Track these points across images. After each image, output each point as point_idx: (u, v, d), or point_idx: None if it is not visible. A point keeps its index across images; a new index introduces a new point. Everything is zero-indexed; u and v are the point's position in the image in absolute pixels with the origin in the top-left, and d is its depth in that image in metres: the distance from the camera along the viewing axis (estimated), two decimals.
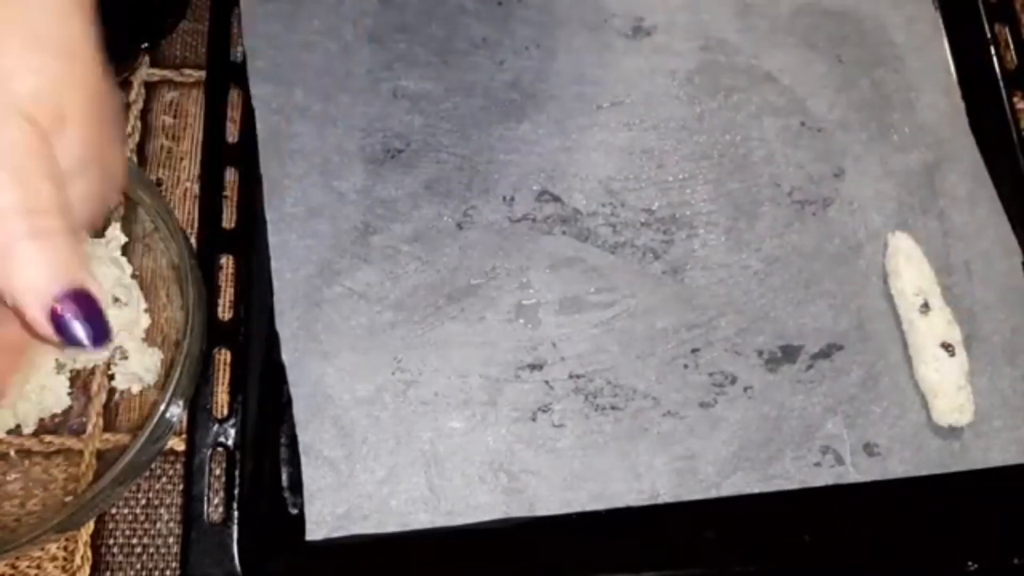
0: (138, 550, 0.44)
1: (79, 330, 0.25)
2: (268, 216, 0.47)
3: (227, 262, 0.48)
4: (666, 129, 0.52)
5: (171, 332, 0.46)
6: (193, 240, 0.48)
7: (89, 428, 0.45)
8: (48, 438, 0.45)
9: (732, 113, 0.52)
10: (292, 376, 0.45)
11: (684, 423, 0.45)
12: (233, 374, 0.45)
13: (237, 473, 0.43)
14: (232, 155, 0.49)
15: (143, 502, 0.45)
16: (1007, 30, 0.55)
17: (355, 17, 0.52)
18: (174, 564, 0.44)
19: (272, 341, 0.45)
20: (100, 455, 0.45)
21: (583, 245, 0.49)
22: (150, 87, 0.52)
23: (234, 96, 0.50)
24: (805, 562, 0.44)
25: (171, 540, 0.44)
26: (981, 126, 0.53)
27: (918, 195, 0.51)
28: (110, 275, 0.45)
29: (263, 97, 0.49)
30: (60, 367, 0.45)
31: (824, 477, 0.45)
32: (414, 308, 0.47)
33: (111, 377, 0.46)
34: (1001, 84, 0.53)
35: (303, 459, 0.43)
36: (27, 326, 0.26)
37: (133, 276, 0.46)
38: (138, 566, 0.44)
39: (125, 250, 0.46)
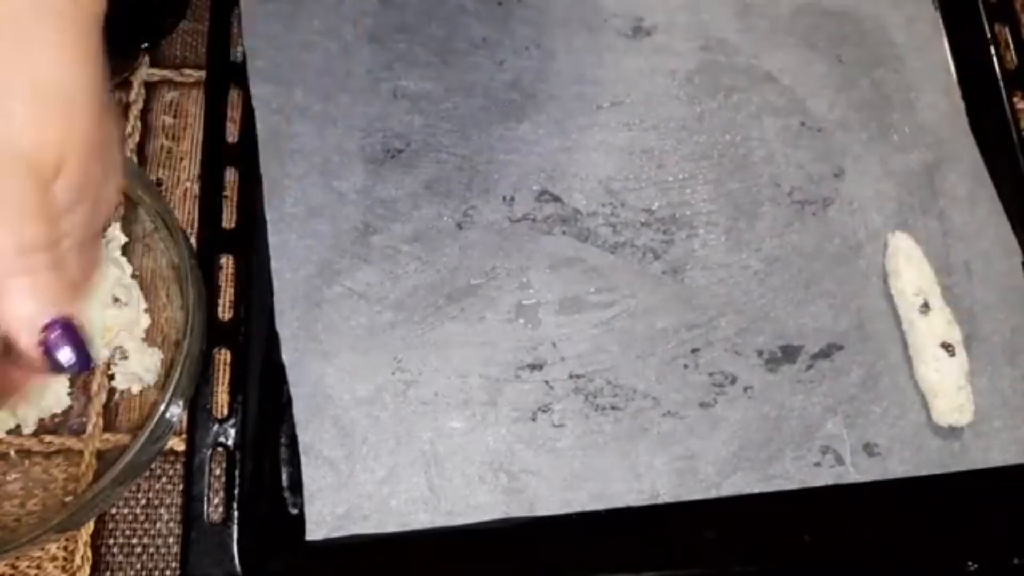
0: (138, 550, 0.44)
1: (63, 356, 0.28)
2: (268, 216, 0.47)
3: (227, 262, 0.48)
4: (666, 129, 0.52)
5: (171, 332, 0.46)
6: (193, 240, 0.48)
7: (89, 428, 0.45)
8: (48, 438, 0.45)
9: (732, 113, 0.52)
10: (292, 376, 0.45)
11: (684, 423, 0.45)
12: (233, 374, 0.45)
13: (237, 473, 0.43)
14: (232, 155, 0.49)
15: (143, 502, 0.45)
16: (1007, 30, 0.55)
17: (355, 17, 0.52)
18: (174, 564, 0.44)
19: (272, 341, 0.45)
20: (100, 455, 0.45)
21: (583, 245, 0.49)
22: (150, 87, 0.52)
23: (234, 96, 0.50)
24: (805, 562, 0.44)
25: (171, 540, 0.44)
26: (981, 126, 0.53)
27: (918, 195, 0.51)
28: (110, 275, 0.45)
29: (263, 97, 0.49)
30: None
31: (824, 477, 0.45)
32: (414, 308, 0.47)
33: (111, 377, 0.46)
34: (1001, 84, 0.53)
35: (303, 459, 0.43)
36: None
37: (133, 276, 0.46)
38: (138, 566, 0.44)
39: (125, 250, 0.46)
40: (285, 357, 0.45)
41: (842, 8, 0.55)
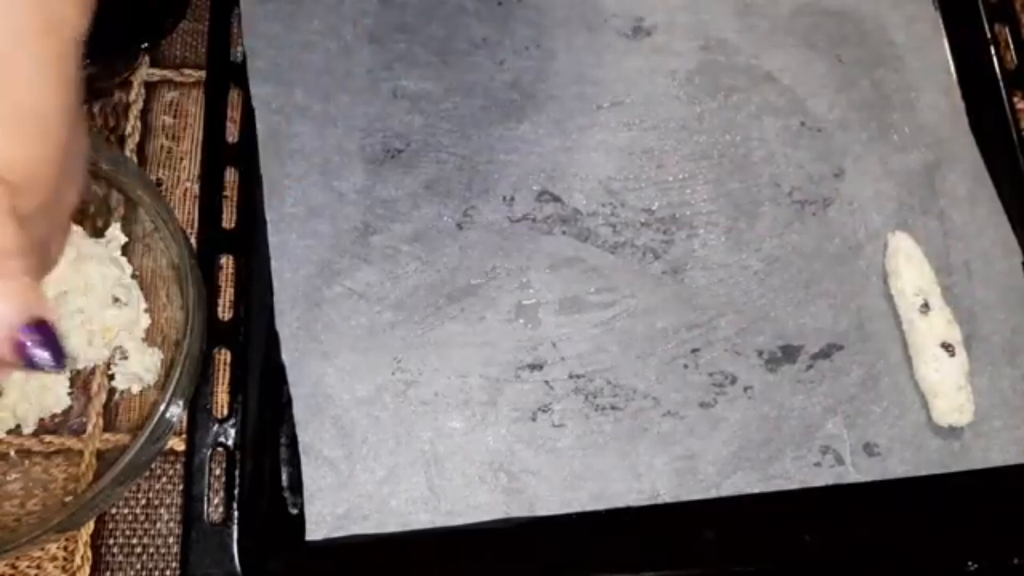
0: (138, 550, 0.44)
1: (39, 357, 0.28)
2: (268, 216, 0.47)
3: (227, 262, 0.48)
4: (666, 129, 0.52)
5: (171, 332, 0.46)
6: (193, 240, 0.48)
7: (89, 428, 0.45)
8: (48, 438, 0.45)
9: (732, 113, 0.52)
10: (292, 376, 0.45)
11: (684, 423, 0.45)
12: (233, 374, 0.45)
13: (237, 473, 0.43)
14: (232, 155, 0.49)
15: (143, 502, 0.45)
16: (1007, 30, 0.55)
17: (355, 17, 0.52)
18: (174, 564, 0.44)
19: (272, 341, 0.45)
20: (100, 455, 0.45)
21: (583, 245, 0.49)
22: (150, 87, 0.52)
23: (234, 96, 0.50)
24: (805, 562, 0.44)
25: (171, 540, 0.44)
26: (981, 126, 0.53)
27: (918, 195, 0.51)
28: (110, 275, 0.45)
29: (263, 97, 0.49)
30: None
31: (824, 477, 0.45)
32: (414, 308, 0.47)
33: (111, 377, 0.46)
34: (1001, 84, 0.53)
35: (303, 459, 0.43)
36: None
37: (133, 276, 0.46)
38: (138, 566, 0.44)
39: (125, 250, 0.46)
40: (285, 357, 0.45)
41: (842, 8, 0.55)
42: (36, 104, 0.27)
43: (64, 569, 0.43)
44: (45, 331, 0.28)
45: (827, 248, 0.50)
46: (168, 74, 0.53)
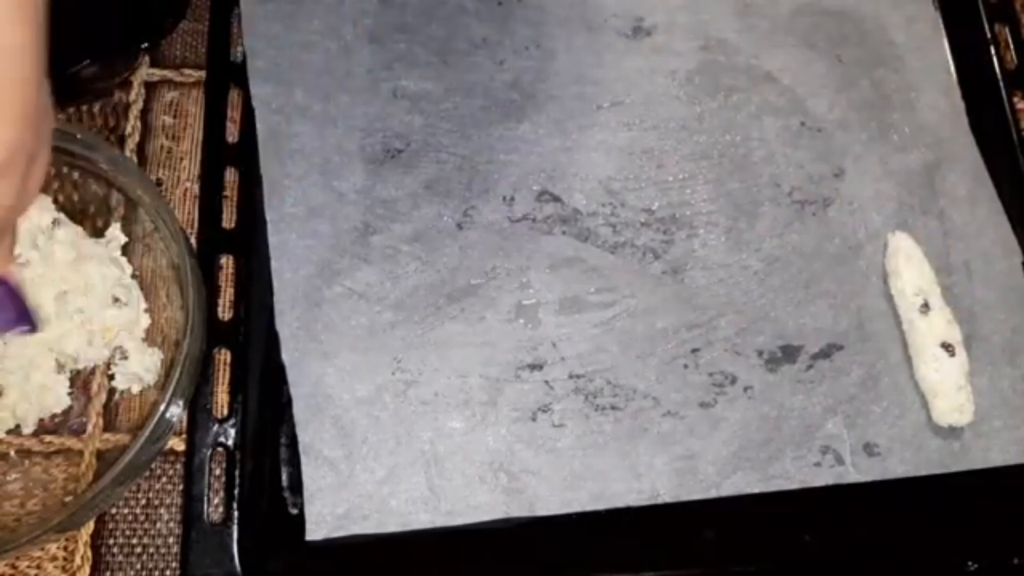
0: (138, 550, 0.44)
1: (3, 314, 0.28)
2: (268, 216, 0.47)
3: (227, 262, 0.48)
4: (666, 129, 0.52)
5: (171, 332, 0.46)
6: (193, 240, 0.48)
7: (89, 428, 0.45)
8: (48, 438, 0.45)
9: (732, 113, 0.52)
10: (292, 376, 0.45)
11: (684, 423, 0.45)
12: (233, 374, 0.45)
13: (237, 473, 0.43)
14: (232, 155, 0.49)
15: (143, 502, 0.45)
16: (1007, 30, 0.55)
17: (355, 17, 0.52)
18: (174, 564, 0.44)
19: (272, 341, 0.45)
20: (100, 455, 0.45)
21: (583, 245, 0.49)
22: (150, 87, 0.52)
23: (234, 96, 0.50)
24: (805, 562, 0.44)
25: (171, 540, 0.44)
26: (981, 126, 0.53)
27: (918, 195, 0.51)
28: (110, 275, 0.45)
29: (263, 97, 0.49)
30: (60, 367, 0.45)
31: (824, 477, 0.45)
32: (414, 308, 0.47)
33: (111, 377, 0.46)
34: (1001, 84, 0.53)
35: (303, 459, 0.43)
36: None
37: (133, 276, 0.46)
38: (138, 566, 0.44)
39: (125, 250, 0.46)
40: (285, 357, 0.45)
41: (842, 8, 0.55)
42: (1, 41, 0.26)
43: (64, 569, 0.43)
44: (6, 291, 0.27)
45: (827, 248, 0.50)
46: (168, 74, 0.53)
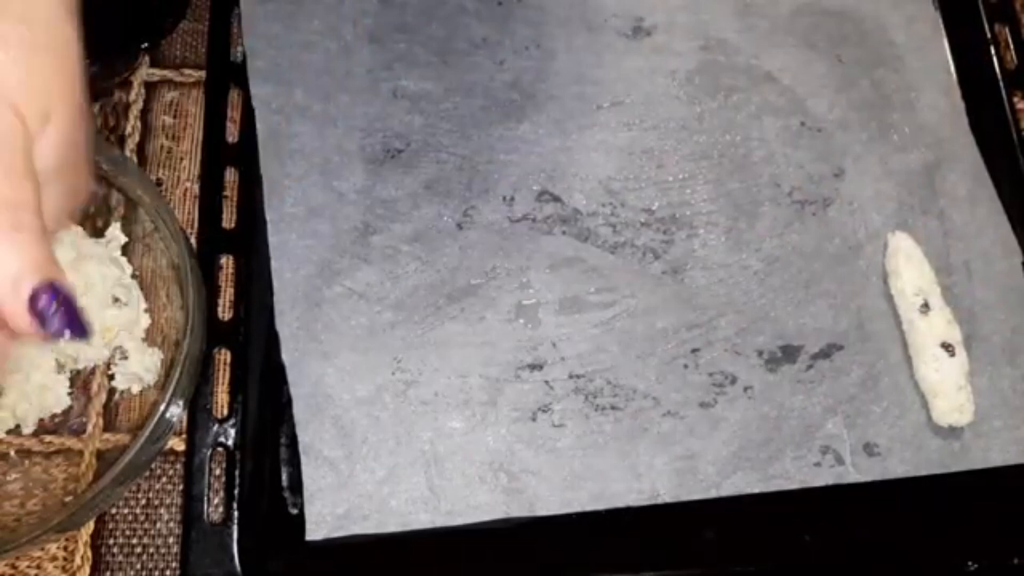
0: (138, 550, 0.44)
1: (60, 322, 0.25)
2: (268, 216, 0.47)
3: (227, 262, 0.48)
4: (666, 129, 0.52)
5: (171, 332, 0.46)
6: (193, 240, 0.48)
7: (89, 428, 0.45)
8: (48, 438, 0.45)
9: (732, 113, 0.52)
10: (292, 376, 0.45)
11: (684, 423, 0.45)
12: (233, 374, 0.45)
13: (237, 473, 0.43)
14: (232, 155, 0.49)
15: (143, 502, 0.45)
16: (1007, 30, 0.55)
17: (355, 17, 0.52)
18: (174, 564, 0.44)
19: (272, 341, 0.45)
20: (100, 455, 0.45)
21: (583, 245, 0.49)
22: (150, 87, 0.52)
23: (234, 96, 0.50)
24: (805, 562, 0.44)
25: (171, 540, 0.44)
26: (981, 126, 0.53)
27: (918, 195, 0.51)
28: (110, 275, 0.45)
29: (263, 97, 0.49)
30: (60, 367, 0.45)
31: (824, 477, 0.45)
32: (414, 308, 0.47)
33: (111, 377, 0.46)
34: (1001, 84, 0.53)
35: (303, 459, 0.43)
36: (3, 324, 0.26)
37: (133, 276, 0.46)
38: (138, 566, 0.44)
39: (125, 250, 0.46)
40: (285, 357, 0.45)
41: (842, 8, 0.55)
42: (52, 36, 0.27)
43: (64, 569, 0.43)
44: (62, 295, 0.25)
45: (827, 248, 0.50)
46: (168, 74, 0.53)
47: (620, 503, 0.44)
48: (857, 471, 0.45)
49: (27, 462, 0.44)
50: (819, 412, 0.46)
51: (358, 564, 0.43)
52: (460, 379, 0.45)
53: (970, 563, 0.44)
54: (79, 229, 0.46)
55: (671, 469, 0.45)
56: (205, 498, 0.42)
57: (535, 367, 0.46)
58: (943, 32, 0.55)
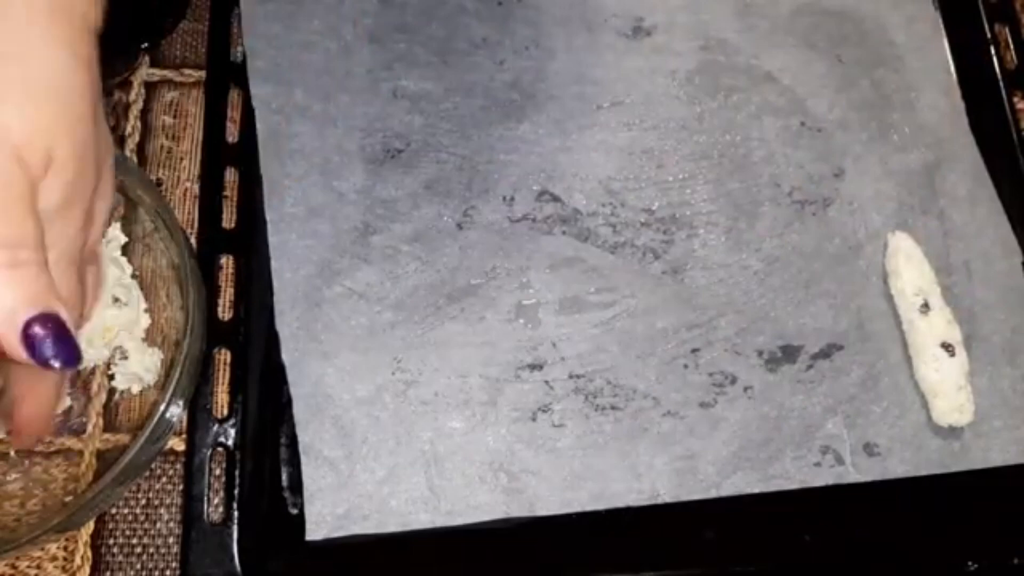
0: (138, 550, 0.44)
1: (49, 350, 0.27)
2: (268, 216, 0.47)
3: (227, 262, 0.48)
4: (666, 129, 0.52)
5: (171, 332, 0.46)
6: (193, 240, 0.48)
7: (89, 428, 0.45)
8: (48, 438, 0.45)
9: (732, 113, 0.52)
10: (292, 376, 0.45)
11: (684, 423, 0.45)
12: (233, 374, 0.45)
13: (237, 473, 0.43)
14: (232, 155, 0.49)
15: (143, 502, 0.45)
16: (1007, 30, 0.55)
17: (355, 17, 0.52)
18: (174, 564, 0.44)
19: (272, 341, 0.45)
20: (100, 455, 0.45)
21: (583, 245, 0.49)
22: (150, 87, 0.52)
23: (234, 96, 0.50)
24: (805, 562, 0.44)
25: (171, 540, 0.44)
26: (981, 126, 0.53)
27: (918, 195, 0.51)
28: (110, 275, 0.45)
29: (263, 97, 0.49)
30: None
31: (824, 477, 0.45)
32: (414, 308, 0.47)
33: (111, 377, 0.46)
34: (1001, 84, 0.53)
35: (303, 459, 0.43)
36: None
37: (133, 276, 0.46)
38: (138, 566, 0.44)
39: (125, 250, 0.46)
40: (285, 357, 0.45)
41: (842, 8, 0.55)
42: (52, 74, 0.27)
43: (64, 569, 0.43)
44: (55, 326, 0.27)
45: (827, 248, 0.50)
46: (168, 74, 0.53)
47: (620, 503, 0.44)
48: (857, 471, 0.45)
49: (27, 462, 0.44)
50: (819, 412, 0.46)
51: (358, 564, 0.43)
52: (460, 379, 0.45)
53: (970, 563, 0.44)
54: None
55: (671, 469, 0.45)
56: (205, 498, 0.42)
57: (535, 367, 0.46)
58: (943, 32, 0.55)
